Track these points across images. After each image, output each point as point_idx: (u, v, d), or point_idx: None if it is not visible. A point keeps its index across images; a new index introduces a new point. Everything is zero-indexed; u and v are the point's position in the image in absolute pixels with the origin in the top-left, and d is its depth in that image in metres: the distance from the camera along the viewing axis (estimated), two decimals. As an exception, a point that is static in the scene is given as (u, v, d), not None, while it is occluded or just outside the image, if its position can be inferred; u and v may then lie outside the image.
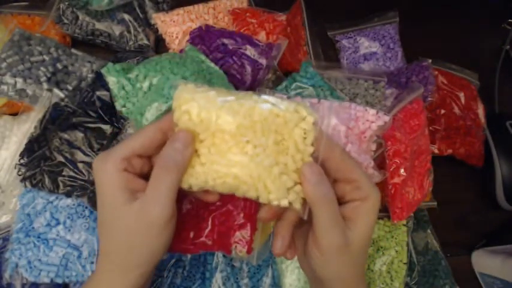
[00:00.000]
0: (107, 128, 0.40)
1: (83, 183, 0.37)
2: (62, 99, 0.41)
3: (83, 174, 0.38)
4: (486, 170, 0.53)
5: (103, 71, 0.38)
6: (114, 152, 0.26)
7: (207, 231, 0.36)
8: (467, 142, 0.51)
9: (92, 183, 0.37)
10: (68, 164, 0.38)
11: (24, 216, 0.37)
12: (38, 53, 0.42)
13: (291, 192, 0.25)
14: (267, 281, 0.40)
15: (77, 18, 0.48)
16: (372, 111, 0.37)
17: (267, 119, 0.24)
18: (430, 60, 0.51)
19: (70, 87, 0.42)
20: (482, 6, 0.63)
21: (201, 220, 0.36)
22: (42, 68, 0.42)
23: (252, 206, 0.38)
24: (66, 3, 0.48)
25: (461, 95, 0.53)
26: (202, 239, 0.36)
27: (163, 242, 0.26)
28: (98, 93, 0.41)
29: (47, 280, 0.36)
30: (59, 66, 0.43)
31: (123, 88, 0.38)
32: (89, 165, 0.38)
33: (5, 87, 0.41)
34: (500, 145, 0.52)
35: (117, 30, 0.49)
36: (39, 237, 0.37)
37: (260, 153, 0.24)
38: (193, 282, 0.39)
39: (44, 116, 0.40)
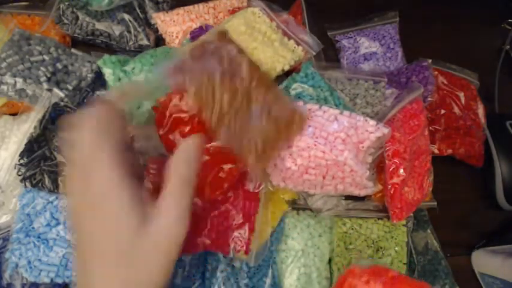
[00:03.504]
0: None
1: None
2: (62, 99, 0.41)
3: (83, 174, 0.38)
4: (486, 170, 0.53)
5: (99, 63, 0.39)
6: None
7: (205, 231, 0.36)
8: (467, 142, 0.50)
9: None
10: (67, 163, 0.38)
11: (24, 216, 0.37)
12: (37, 53, 0.42)
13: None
14: (267, 281, 0.40)
15: (77, 18, 0.48)
16: (372, 122, 0.37)
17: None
18: (430, 60, 0.51)
19: (70, 87, 0.42)
20: (482, 6, 0.63)
21: (200, 220, 0.36)
22: (42, 68, 0.42)
23: (250, 206, 0.38)
24: (66, 3, 0.48)
25: (461, 95, 0.52)
26: (201, 238, 0.36)
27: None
28: (97, 93, 0.41)
29: (47, 280, 0.36)
30: (58, 66, 0.43)
31: (119, 80, 0.39)
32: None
33: (4, 87, 0.41)
34: (500, 145, 0.52)
35: (117, 30, 0.49)
36: (39, 237, 0.37)
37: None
38: (193, 282, 0.39)
39: (43, 116, 0.40)
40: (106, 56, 0.39)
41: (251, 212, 0.38)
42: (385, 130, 0.38)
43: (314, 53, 0.48)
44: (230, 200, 0.37)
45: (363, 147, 0.37)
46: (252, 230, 0.37)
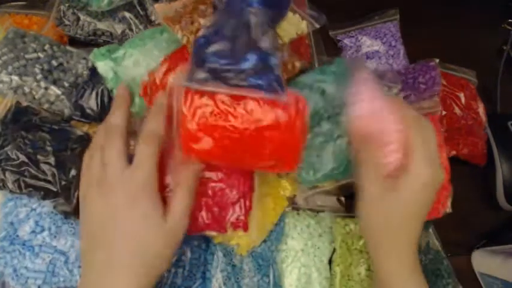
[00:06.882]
0: (74, 131, 0.38)
1: (44, 183, 0.35)
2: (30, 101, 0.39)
3: (45, 174, 0.35)
4: (487, 170, 0.51)
5: (90, 57, 0.37)
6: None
7: (202, 212, 0.35)
8: (470, 142, 0.49)
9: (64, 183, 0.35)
10: (30, 164, 0.35)
11: (7, 225, 0.35)
12: (32, 50, 0.40)
13: None
14: (267, 281, 0.39)
15: (78, 19, 0.46)
16: None
17: None
18: (437, 60, 0.48)
19: (67, 84, 0.40)
20: (482, 6, 0.61)
21: (196, 199, 0.34)
22: (37, 66, 0.39)
23: (246, 183, 0.36)
24: (67, 4, 0.46)
25: (461, 95, 0.50)
26: (199, 218, 0.35)
27: None
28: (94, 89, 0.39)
29: (34, 287, 0.34)
30: (54, 63, 0.40)
31: (112, 70, 0.37)
32: (51, 165, 0.36)
33: (0, 85, 0.39)
34: (502, 145, 0.50)
35: (118, 28, 0.47)
36: (24, 245, 0.34)
37: None
38: (193, 282, 0.38)
39: (5, 115, 0.37)
40: (95, 50, 0.38)
41: (245, 189, 0.36)
42: None
43: (318, 26, 0.47)
44: (224, 178, 0.36)
45: None
46: (249, 207, 0.36)
